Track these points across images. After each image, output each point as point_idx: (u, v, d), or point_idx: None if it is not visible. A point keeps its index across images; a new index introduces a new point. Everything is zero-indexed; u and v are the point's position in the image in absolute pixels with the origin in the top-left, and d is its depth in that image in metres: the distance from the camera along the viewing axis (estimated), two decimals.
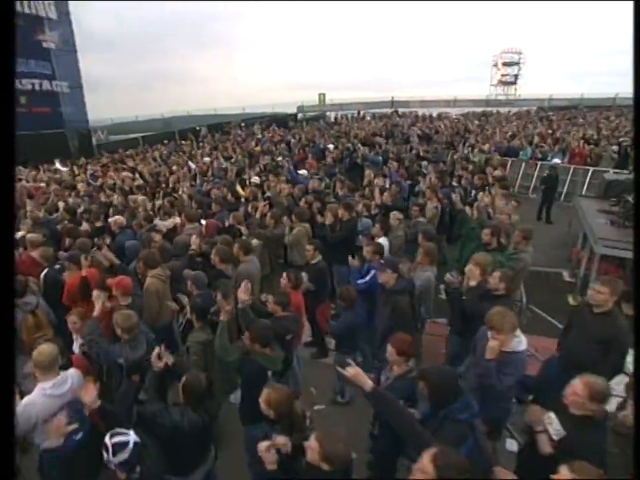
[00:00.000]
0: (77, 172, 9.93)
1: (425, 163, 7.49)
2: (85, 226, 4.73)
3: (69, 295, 3.26)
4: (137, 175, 8.34)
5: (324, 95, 23.46)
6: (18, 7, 12.15)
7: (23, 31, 12.47)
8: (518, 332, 2.08)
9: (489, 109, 19.48)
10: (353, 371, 1.69)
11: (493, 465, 1.67)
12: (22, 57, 12.55)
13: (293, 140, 11.93)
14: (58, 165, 11.24)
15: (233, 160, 9.31)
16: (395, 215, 4.18)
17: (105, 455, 1.47)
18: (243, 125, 17.92)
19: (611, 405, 1.78)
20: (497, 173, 6.15)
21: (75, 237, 4.24)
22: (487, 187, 5.32)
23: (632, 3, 2.52)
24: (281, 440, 1.56)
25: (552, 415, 1.67)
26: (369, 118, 17.94)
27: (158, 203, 6.05)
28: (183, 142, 15.18)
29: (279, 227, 4.14)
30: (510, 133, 11.42)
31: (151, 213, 5.13)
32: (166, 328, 3.26)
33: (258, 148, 10.68)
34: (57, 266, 3.76)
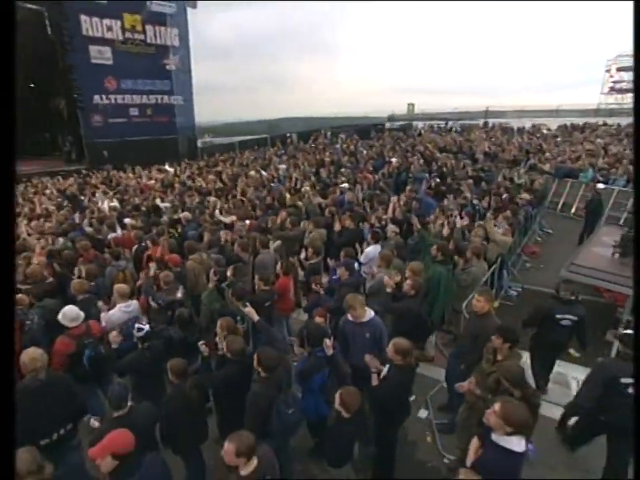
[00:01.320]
0: (177, 173, 12.69)
1: (469, 181, 8.10)
2: (164, 218, 6.72)
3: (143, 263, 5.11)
4: (219, 179, 10.59)
5: (413, 105, 24.19)
6: (154, 39, 15.83)
7: (153, 57, 16.29)
8: (367, 308, 3.15)
9: (595, 119, 17.95)
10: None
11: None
12: (150, 78, 16.34)
13: (364, 152, 13.20)
14: (167, 166, 14.37)
15: (301, 169, 10.99)
16: (391, 228, 5.23)
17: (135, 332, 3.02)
18: (329, 133, 19.71)
19: None
20: (525, 196, 6.58)
21: (157, 225, 6.24)
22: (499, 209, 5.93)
23: (632, 3, 2.75)
24: None
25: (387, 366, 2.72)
26: (453, 129, 18.24)
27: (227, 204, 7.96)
28: (270, 148, 17.62)
29: (296, 230, 5.54)
30: (577, 154, 10.98)
31: (216, 211, 6.93)
32: (199, 295, 4.87)
33: (328, 158, 12.18)
34: (143, 244, 5.73)
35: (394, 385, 2.53)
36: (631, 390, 2.62)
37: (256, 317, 3.10)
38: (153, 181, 11.59)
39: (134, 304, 3.82)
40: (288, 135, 20.61)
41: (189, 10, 16.87)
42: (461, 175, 8.97)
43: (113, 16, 14.87)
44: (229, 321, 3.07)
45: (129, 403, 2.32)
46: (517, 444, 1.90)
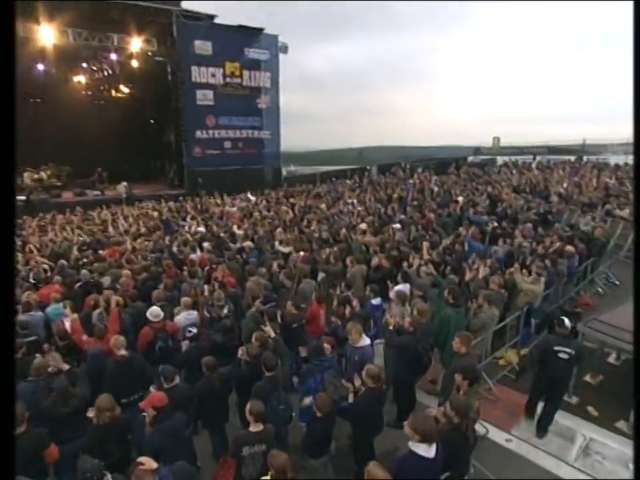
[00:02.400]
0: (257, 202, 14.53)
1: (527, 225, 8.26)
2: (237, 245, 8.16)
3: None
4: (291, 210, 12.02)
5: (498, 139, 23.75)
6: (249, 81, 18.56)
7: (247, 97, 19.01)
8: (364, 336, 3.89)
9: None
10: None
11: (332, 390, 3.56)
12: (243, 115, 19.11)
13: (435, 189, 13.71)
14: (249, 195, 16.46)
15: (367, 204, 11.95)
16: (424, 269, 5.90)
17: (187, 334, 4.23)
18: (407, 166, 20.43)
19: None
20: (569, 248, 6.64)
21: (228, 250, 7.69)
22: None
23: (632, 3, 2.87)
24: None
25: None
26: (537, 166, 17.70)
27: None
28: (348, 181, 18.93)
29: (338, 265, 6.49)
30: None
31: (276, 242, 8.20)
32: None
33: (396, 194, 12.96)
34: (214, 266, 7.16)
35: (364, 403, 3.31)
36: (561, 355, 4.07)
37: (272, 334, 4.11)
38: (234, 209, 13.51)
39: (195, 313, 5.10)
40: (368, 167, 21.77)
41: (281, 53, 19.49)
42: (524, 217, 9.11)
43: (217, 65, 17.98)
44: (261, 335, 4.13)
45: (175, 381, 3.46)
46: (423, 450, 2.57)
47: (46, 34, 14.65)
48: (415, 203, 11.69)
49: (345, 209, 11.28)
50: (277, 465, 2.41)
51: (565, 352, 4.10)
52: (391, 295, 5.60)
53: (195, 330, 4.30)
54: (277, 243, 7.97)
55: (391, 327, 4.26)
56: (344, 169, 22.37)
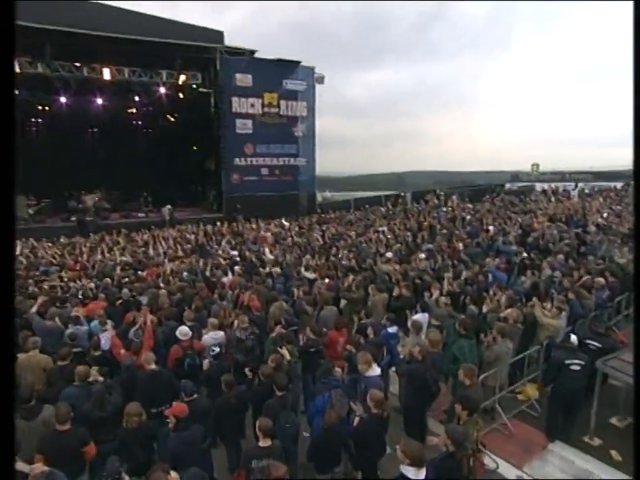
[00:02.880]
0: (290, 228, 15.10)
1: (559, 256, 8.19)
2: (262, 270, 8.62)
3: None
4: (322, 236, 12.46)
5: (537, 165, 23.33)
6: (286, 111, 19.59)
7: (284, 126, 20.01)
8: (374, 366, 4.10)
9: None
10: None
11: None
12: (280, 143, 20.09)
13: (467, 217, 13.74)
14: (283, 221, 17.11)
15: (396, 232, 12.18)
16: (442, 300, 6.07)
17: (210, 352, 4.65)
18: (442, 194, 20.49)
19: None
20: (598, 280, 6.54)
21: (257, 275, 8.17)
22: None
23: (632, 3, 2.90)
24: None
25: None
26: (577, 194, 17.23)
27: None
28: (382, 208, 19.23)
29: (360, 293, 6.77)
30: None
31: (302, 268, 8.60)
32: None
33: (426, 222, 13.11)
34: (243, 289, 7.62)
35: (365, 426, 3.55)
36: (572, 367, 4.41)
37: (287, 357, 4.44)
38: (268, 234, 14.12)
39: (221, 334, 5.53)
40: (402, 194, 22.02)
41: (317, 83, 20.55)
42: (557, 248, 9.02)
43: (256, 95, 19.23)
44: (277, 357, 4.48)
45: (194, 396, 3.86)
46: (412, 473, 2.78)
47: (105, 73, 16.33)
48: (445, 231, 11.79)
49: (375, 237, 11.55)
50: (277, 475, 2.71)
51: (576, 364, 4.43)
52: (409, 324, 5.81)
53: (217, 349, 4.72)
54: (303, 269, 8.36)
55: (401, 356, 4.48)
56: (378, 196, 22.71)
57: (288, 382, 3.92)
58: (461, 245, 9.82)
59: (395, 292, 6.60)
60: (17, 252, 11.72)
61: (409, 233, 11.76)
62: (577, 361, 4.50)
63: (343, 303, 6.83)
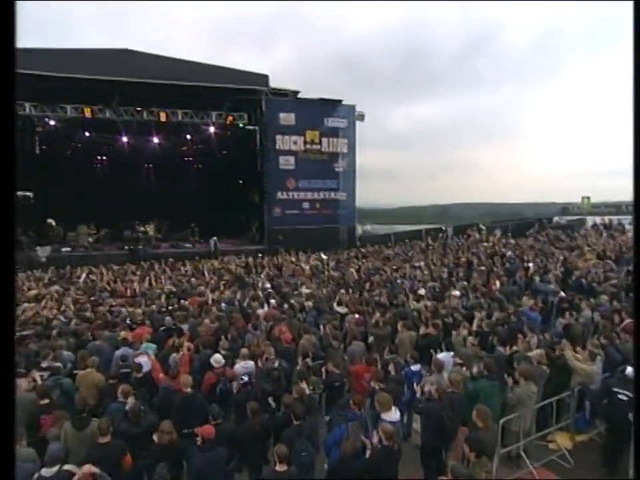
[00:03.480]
0: (327, 262, 15.50)
1: (603, 297, 7.94)
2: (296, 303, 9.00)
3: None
4: (357, 271, 12.73)
5: (588, 198, 22.41)
6: (327, 147, 20.50)
7: (325, 162, 20.88)
8: (393, 409, 4.26)
9: None
10: None
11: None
12: (321, 178, 20.95)
13: (508, 253, 13.51)
14: (322, 254, 17.57)
15: (432, 268, 12.22)
16: (470, 340, 6.14)
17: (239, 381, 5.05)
18: (484, 228, 20.18)
19: None
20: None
21: (292, 308, 8.57)
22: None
23: (632, 3, 2.93)
24: None
25: None
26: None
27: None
28: (421, 242, 19.23)
29: (386, 329, 6.97)
30: None
31: (335, 303, 8.89)
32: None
33: (464, 258, 13.05)
34: (277, 322, 8.03)
35: (376, 458, 3.75)
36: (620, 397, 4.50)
37: (306, 391, 4.73)
38: (306, 267, 14.58)
39: (251, 363, 5.93)
40: (443, 228, 21.92)
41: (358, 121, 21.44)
42: (602, 288, 8.74)
43: (299, 133, 20.44)
44: (299, 388, 4.80)
45: (219, 420, 4.24)
46: None
47: (162, 116, 18.24)
48: (482, 268, 11.66)
49: (410, 273, 11.67)
50: None
51: (624, 394, 4.45)
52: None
53: (246, 378, 5.11)
54: (335, 304, 8.67)
55: (418, 394, 4.64)
56: (418, 230, 22.73)
57: (305, 412, 4.20)
58: (497, 283, 9.73)
59: (422, 330, 6.74)
60: (82, 278, 13.01)
61: (445, 269, 11.77)
62: (626, 392, 4.49)
63: (371, 338, 7.05)
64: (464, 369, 5.44)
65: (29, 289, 11.84)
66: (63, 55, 16.98)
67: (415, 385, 5.24)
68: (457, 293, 8.90)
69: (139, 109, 18.25)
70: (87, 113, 17.65)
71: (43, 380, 5.10)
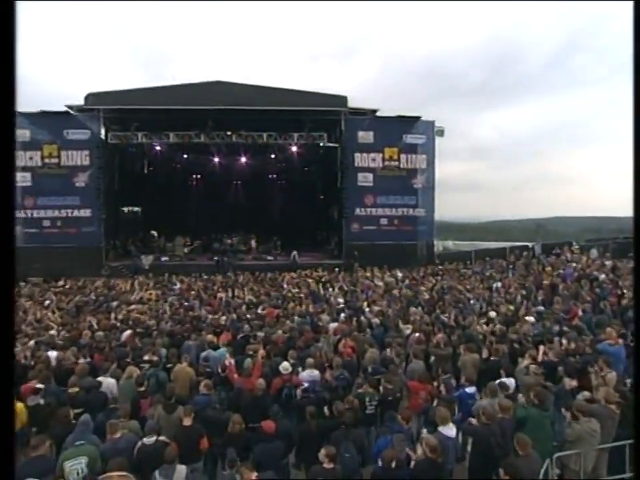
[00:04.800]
0: (401, 279, 15.70)
1: None
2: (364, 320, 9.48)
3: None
4: (430, 290, 12.81)
5: None
6: (405, 164, 20.80)
7: (404, 178, 21.13)
8: (450, 424, 4.51)
9: None
10: None
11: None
12: (400, 194, 21.21)
13: (602, 276, 12.54)
14: (397, 272, 17.78)
15: (510, 290, 11.86)
16: (533, 368, 6.11)
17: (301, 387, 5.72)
18: (577, 246, 18.71)
19: None
20: None
21: (358, 323, 9.09)
22: None
23: (632, 3, 2.97)
24: None
25: None
26: None
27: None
28: (503, 261, 18.48)
29: (447, 349, 7.16)
30: None
31: (399, 320, 9.21)
32: None
33: (546, 281, 12.41)
34: (344, 336, 8.61)
35: (419, 470, 4.11)
36: None
37: (356, 402, 5.22)
38: (380, 283, 14.95)
39: (316, 372, 6.57)
40: (530, 245, 20.76)
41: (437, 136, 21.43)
42: None
43: (377, 150, 21.01)
44: (352, 399, 5.34)
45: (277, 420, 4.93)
46: None
47: (249, 138, 20.23)
48: (567, 292, 11.08)
49: (484, 293, 11.49)
50: None
51: None
52: None
53: (308, 385, 5.78)
54: (401, 322, 9.00)
55: (470, 418, 4.87)
56: (502, 247, 21.81)
57: (355, 420, 4.71)
58: (581, 309, 9.26)
59: (484, 354, 6.82)
60: (177, 286, 14.90)
61: (523, 292, 11.38)
62: None
63: (432, 358, 7.29)
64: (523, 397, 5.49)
65: (137, 293, 13.89)
66: (166, 90, 20.02)
67: (467, 407, 5.45)
68: (531, 318, 8.68)
69: (229, 132, 20.54)
70: (186, 138, 20.48)
71: (143, 371, 6.28)
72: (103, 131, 20.37)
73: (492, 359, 6.70)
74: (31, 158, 19.90)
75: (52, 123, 20.05)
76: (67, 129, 19.99)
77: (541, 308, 9.60)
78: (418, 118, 21.16)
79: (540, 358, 6.59)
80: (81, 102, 19.93)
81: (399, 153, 21.06)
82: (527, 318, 8.72)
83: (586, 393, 5.38)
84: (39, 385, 5.61)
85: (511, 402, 5.02)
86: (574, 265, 14.80)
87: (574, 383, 5.78)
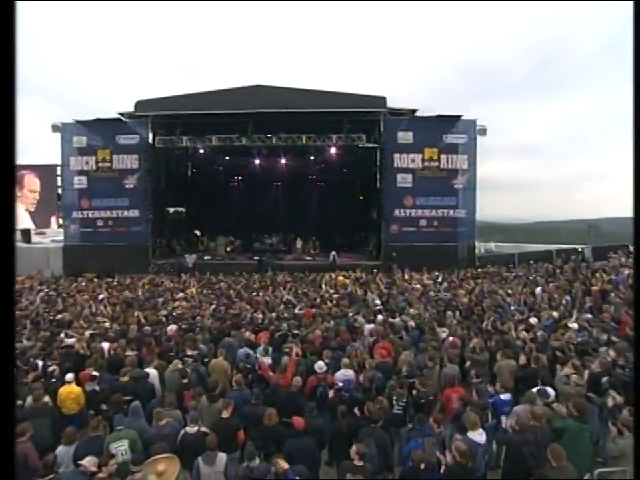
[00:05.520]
0: (440, 282, 15.47)
1: None
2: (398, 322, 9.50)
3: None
4: (468, 294, 12.56)
5: None
6: (446, 164, 20.47)
7: (444, 179, 20.79)
8: (480, 430, 4.50)
9: None
10: None
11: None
12: (439, 195, 20.90)
13: None
14: (436, 273, 17.51)
15: (554, 295, 11.42)
16: (575, 379, 5.95)
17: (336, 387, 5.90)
18: (632, 250, 17.65)
19: None
20: None
21: (392, 326, 9.14)
22: None
23: (632, 3, 2.97)
24: None
25: None
26: None
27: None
28: (549, 264, 17.72)
29: (483, 355, 7.09)
30: None
31: (435, 324, 9.16)
32: None
33: (596, 287, 11.85)
34: (380, 337, 8.70)
35: (451, 473, 4.18)
36: None
37: (385, 404, 5.33)
38: (417, 286, 14.83)
39: (350, 372, 6.71)
40: (579, 249, 19.85)
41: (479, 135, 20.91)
42: None
43: (416, 151, 20.74)
44: (382, 399, 5.46)
45: (311, 416, 5.12)
46: None
47: (288, 141, 20.80)
48: (619, 299, 10.54)
49: (525, 299, 11.15)
50: None
51: None
52: None
53: (342, 384, 5.96)
54: (436, 325, 8.96)
55: (503, 424, 4.86)
56: (549, 250, 20.95)
57: (381, 419, 4.84)
58: (626, 319, 8.81)
59: (521, 360, 6.70)
60: (219, 284, 15.52)
61: (568, 298, 10.95)
62: None
63: (468, 363, 7.24)
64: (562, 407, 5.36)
65: (182, 290, 14.61)
66: (208, 95, 20.83)
67: (502, 414, 5.41)
68: (575, 325, 8.38)
69: (269, 135, 21.05)
70: (227, 141, 21.23)
71: (186, 365, 6.70)
72: (150, 136, 21.60)
73: (532, 366, 6.56)
74: (87, 162, 21.57)
75: (105, 129, 21.56)
76: (119, 135, 21.39)
77: (588, 315, 9.22)
78: (459, 117, 20.70)
79: (582, 368, 6.39)
80: (131, 109, 21.17)
81: (439, 153, 20.71)
82: (570, 325, 8.43)
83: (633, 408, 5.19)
84: (95, 373, 6.16)
85: (544, 410, 4.94)
86: (627, 271, 13.99)
87: (619, 398, 5.57)
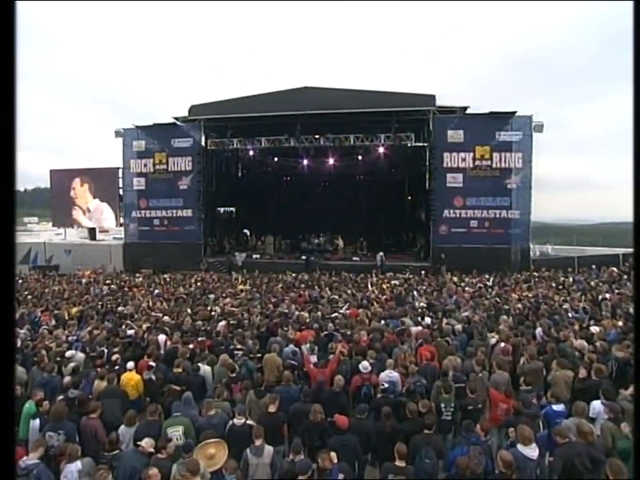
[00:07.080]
0: (490, 285, 14.92)
1: None
2: (445, 326, 9.32)
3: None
4: (519, 298, 12.03)
5: None
6: (498, 163, 19.68)
7: (496, 178, 20.11)
8: (533, 446, 4.37)
9: None
10: None
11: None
12: (491, 195, 20.20)
13: None
14: (487, 276, 16.92)
15: (619, 303, 10.68)
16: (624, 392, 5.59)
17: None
18: None
19: None
20: None
21: (439, 329, 8.99)
22: None
23: (632, 3, 2.94)
24: None
25: None
26: None
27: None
28: (614, 269, 16.55)
29: (534, 363, 6.80)
30: None
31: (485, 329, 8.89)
32: None
33: None
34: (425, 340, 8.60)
35: None
36: None
37: (421, 408, 5.25)
38: (467, 288, 14.45)
39: (395, 374, 6.65)
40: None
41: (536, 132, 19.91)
42: None
43: (467, 150, 20.11)
44: (427, 403, 5.42)
45: (362, 416, 5.18)
46: None
47: (336, 141, 20.97)
48: None
49: (585, 305, 10.52)
50: None
51: None
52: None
53: (387, 385, 5.98)
54: (486, 330, 8.70)
55: (557, 439, 4.67)
56: (615, 254, 19.54)
57: (433, 425, 4.80)
58: None
59: (581, 372, 6.36)
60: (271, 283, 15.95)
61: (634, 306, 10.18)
62: None
63: (518, 370, 6.98)
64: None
65: (232, 287, 15.18)
66: (257, 98, 21.47)
67: (553, 425, 5.17)
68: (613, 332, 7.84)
69: (317, 136, 21.35)
70: (276, 142, 21.76)
71: (235, 359, 6.99)
72: (203, 139, 22.68)
73: (592, 378, 6.20)
74: (145, 165, 23.05)
75: (162, 133, 22.90)
76: (174, 138, 22.66)
77: None
78: (513, 113, 19.80)
79: None
80: (185, 113, 22.23)
81: (491, 151, 19.95)
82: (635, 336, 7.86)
83: None
84: (152, 363, 6.60)
85: (589, 426, 4.67)
86: None
87: None
